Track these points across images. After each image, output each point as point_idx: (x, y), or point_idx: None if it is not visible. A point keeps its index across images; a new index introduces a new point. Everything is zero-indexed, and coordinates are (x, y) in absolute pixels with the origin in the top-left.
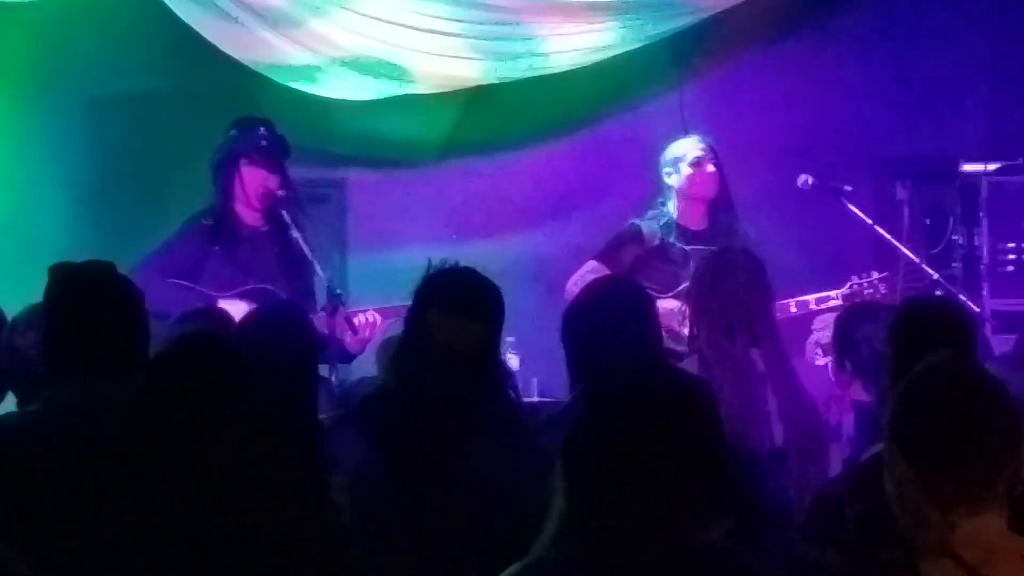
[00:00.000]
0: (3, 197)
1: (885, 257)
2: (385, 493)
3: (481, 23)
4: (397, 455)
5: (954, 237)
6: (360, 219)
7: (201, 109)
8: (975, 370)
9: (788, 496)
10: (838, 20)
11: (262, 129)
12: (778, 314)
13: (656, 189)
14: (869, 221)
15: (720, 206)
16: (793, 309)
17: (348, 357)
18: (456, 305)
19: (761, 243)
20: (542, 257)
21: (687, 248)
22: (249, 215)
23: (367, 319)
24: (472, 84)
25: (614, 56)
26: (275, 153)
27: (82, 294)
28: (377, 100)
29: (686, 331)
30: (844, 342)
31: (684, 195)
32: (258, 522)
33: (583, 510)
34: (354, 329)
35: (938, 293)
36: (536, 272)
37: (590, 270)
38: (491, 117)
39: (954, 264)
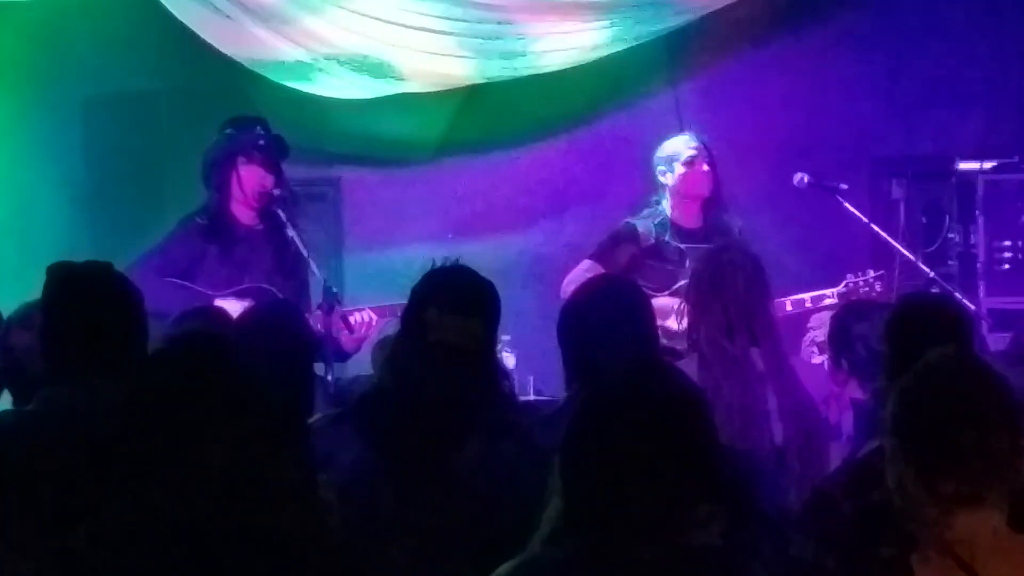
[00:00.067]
0: (0, 197)
1: (881, 255)
2: (381, 491)
3: (473, 21)
4: (393, 453)
5: (950, 235)
6: (356, 218)
7: (197, 108)
8: (978, 365)
9: (788, 495)
10: (834, 19)
11: (259, 128)
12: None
13: (652, 188)
14: (865, 219)
15: (714, 204)
16: (789, 308)
17: (344, 356)
18: (453, 303)
19: (756, 240)
20: (538, 256)
21: (682, 246)
22: (245, 214)
23: (363, 318)
24: (464, 83)
25: (610, 55)
26: (273, 152)
27: (81, 293)
28: (373, 99)
29: (684, 326)
30: (840, 340)
31: (678, 194)
32: (253, 521)
33: (579, 508)
34: (350, 328)
35: (934, 291)
36: (532, 271)
37: (586, 269)
38: (487, 116)
39: (950, 262)
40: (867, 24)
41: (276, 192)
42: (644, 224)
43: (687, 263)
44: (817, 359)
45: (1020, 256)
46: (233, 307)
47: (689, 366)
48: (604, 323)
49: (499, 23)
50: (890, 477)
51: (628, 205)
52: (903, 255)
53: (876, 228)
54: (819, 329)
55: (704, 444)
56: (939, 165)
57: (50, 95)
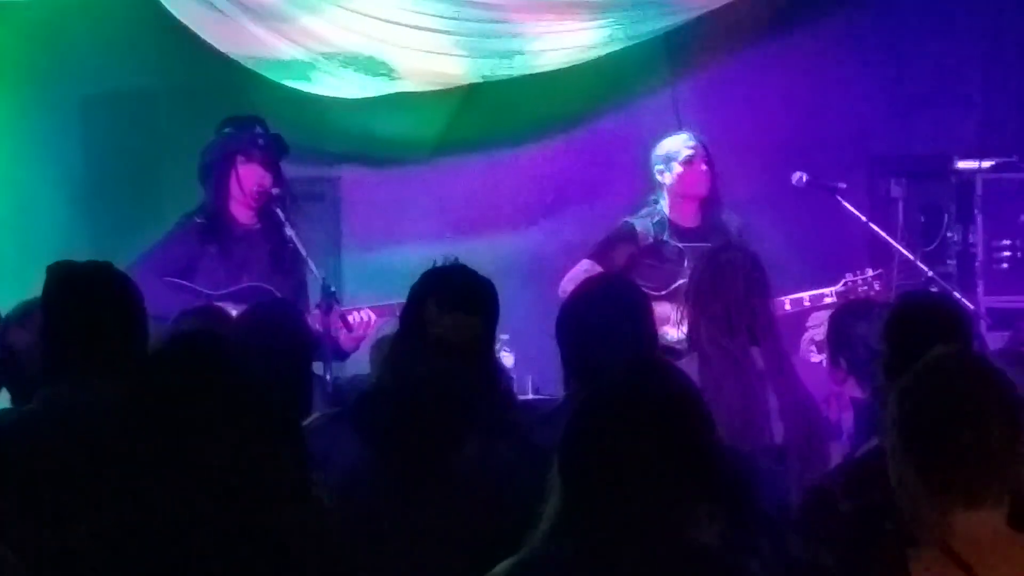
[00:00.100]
0: None
1: (880, 255)
2: (380, 491)
3: (470, 20)
4: (392, 452)
5: (949, 234)
6: (354, 217)
7: (196, 107)
8: (980, 364)
9: (788, 494)
10: (832, 18)
11: (258, 127)
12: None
13: (650, 187)
14: (864, 218)
15: (712, 203)
16: (787, 307)
17: (342, 355)
18: (453, 299)
19: (755, 239)
20: (537, 255)
21: (681, 245)
22: (242, 213)
23: (362, 317)
24: (461, 82)
25: (608, 54)
26: (272, 151)
27: (81, 293)
28: (372, 98)
29: (683, 332)
30: (839, 339)
31: (676, 193)
32: (251, 521)
33: (577, 507)
34: (349, 327)
35: (933, 290)
36: (531, 270)
37: (584, 269)
38: (485, 115)
39: (949, 261)
40: (866, 23)
41: (275, 191)
42: (642, 223)
43: (686, 262)
44: (816, 358)
45: (1019, 255)
46: (232, 308)
47: (690, 365)
48: (603, 322)
49: (496, 22)
50: (892, 475)
51: (627, 204)
52: (902, 254)
53: (875, 227)
54: (817, 328)
55: (702, 443)
56: (938, 164)
57: (49, 94)
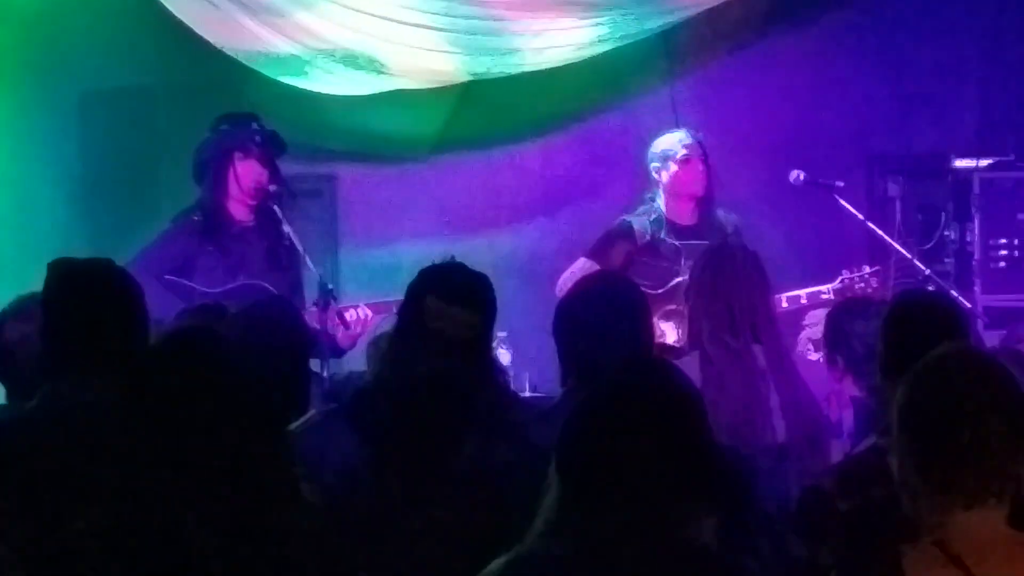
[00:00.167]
0: None
1: (877, 253)
2: (377, 487)
3: (466, 18)
4: (389, 449)
5: (946, 233)
6: (351, 214)
7: (194, 104)
8: (985, 362)
9: (789, 492)
10: (830, 16)
11: (254, 123)
12: None
13: (648, 184)
14: (861, 217)
15: (709, 202)
16: (784, 304)
17: (339, 352)
18: (451, 293)
19: (752, 237)
20: (534, 253)
21: (678, 243)
22: (239, 210)
23: (358, 314)
24: (451, 79)
25: (606, 52)
26: (269, 147)
27: (82, 290)
28: (369, 96)
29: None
30: (836, 337)
31: (672, 192)
32: (249, 520)
33: (574, 505)
34: (346, 324)
35: (930, 289)
36: (528, 267)
37: (581, 267)
38: (482, 113)
39: (946, 260)
40: (864, 22)
41: (272, 188)
42: (639, 221)
43: (683, 260)
44: (813, 356)
45: (1016, 254)
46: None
47: (691, 363)
48: (600, 320)
49: (488, 20)
50: (894, 472)
51: (624, 202)
52: (899, 253)
53: (872, 226)
54: (815, 326)
55: (700, 443)
56: (935, 163)
57: (47, 91)
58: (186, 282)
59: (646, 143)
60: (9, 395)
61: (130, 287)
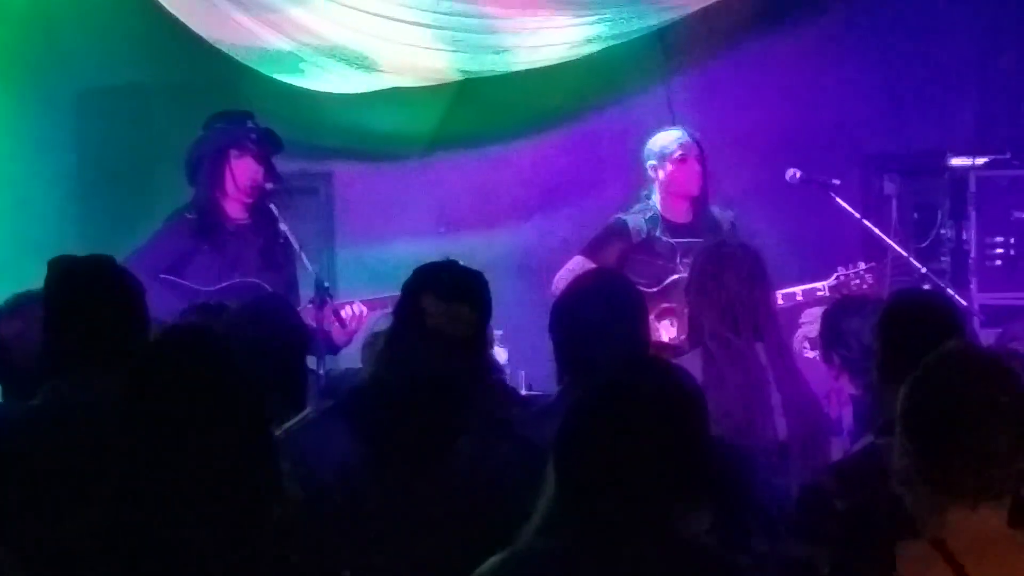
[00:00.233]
0: None
1: (873, 251)
2: (373, 485)
3: (451, 15)
4: (386, 447)
5: (942, 231)
6: (348, 212)
7: (190, 102)
8: (989, 361)
9: (790, 490)
10: (827, 15)
11: (249, 121)
12: None
13: (644, 182)
14: (857, 215)
15: (704, 200)
16: (780, 301)
17: (335, 349)
18: (449, 290)
19: (748, 235)
20: (531, 251)
21: (673, 241)
22: (234, 208)
23: (354, 311)
24: (441, 76)
25: (602, 50)
26: (265, 145)
27: (83, 287)
28: (365, 94)
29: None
30: (832, 336)
31: (668, 190)
32: (247, 519)
33: (570, 502)
34: (342, 322)
35: (926, 287)
36: (524, 265)
37: (576, 265)
38: (479, 111)
39: (942, 258)
40: (860, 20)
41: (268, 186)
42: (635, 220)
43: (678, 258)
44: (809, 354)
45: (1011, 252)
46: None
47: (692, 361)
48: (596, 318)
49: (486, 18)
50: (896, 470)
51: (620, 200)
52: (895, 251)
53: (868, 224)
54: (811, 325)
55: (697, 439)
56: (931, 161)
57: (43, 89)
58: (181, 280)
59: (643, 141)
60: (5, 393)
61: (131, 285)
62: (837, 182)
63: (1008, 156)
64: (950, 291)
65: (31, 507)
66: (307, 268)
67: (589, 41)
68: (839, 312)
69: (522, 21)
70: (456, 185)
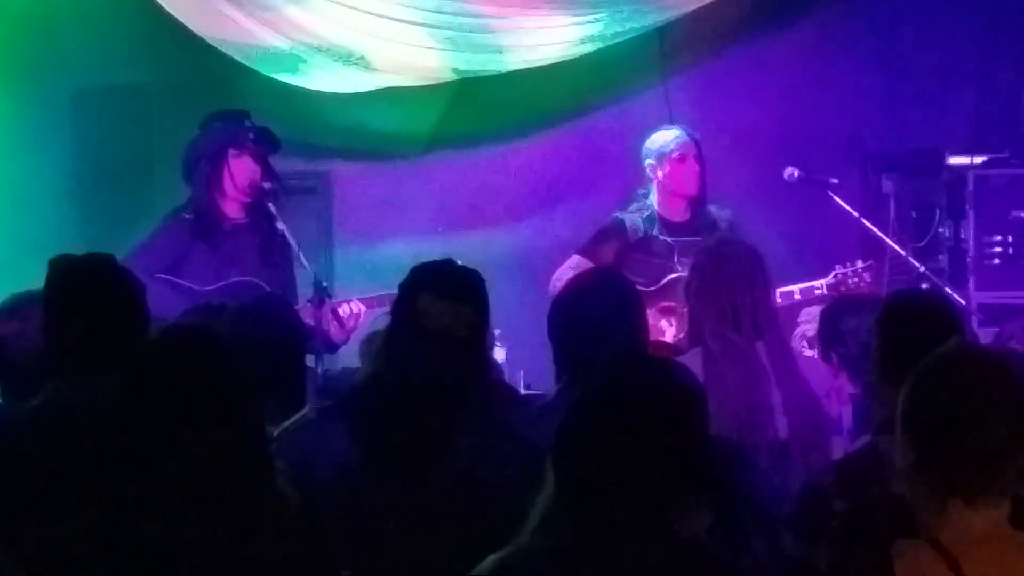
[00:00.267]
0: None
1: (871, 250)
2: (371, 484)
3: (446, 13)
4: (385, 446)
5: (940, 230)
6: (346, 211)
7: (187, 102)
8: (992, 360)
9: (791, 489)
10: (825, 13)
11: (248, 121)
12: None
13: (642, 181)
14: (855, 214)
15: (702, 199)
16: (778, 300)
17: (332, 347)
18: (446, 289)
19: (746, 234)
20: (528, 250)
21: (670, 240)
22: (231, 208)
23: (351, 309)
24: (439, 77)
25: (600, 49)
26: (263, 144)
27: (83, 287)
28: (363, 93)
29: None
30: (830, 335)
31: (666, 190)
32: (245, 518)
33: (569, 501)
34: (340, 321)
35: (924, 286)
36: (522, 265)
37: (574, 265)
38: (477, 111)
39: (940, 257)
40: (858, 19)
41: (267, 185)
42: (631, 219)
43: (676, 257)
44: (807, 353)
45: (1009, 251)
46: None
47: (693, 360)
48: (594, 317)
49: (482, 17)
50: (897, 469)
51: (618, 199)
52: (893, 250)
53: (866, 223)
54: (809, 324)
55: (695, 438)
56: (929, 160)
57: (40, 89)
58: (178, 280)
59: (640, 140)
60: (5, 393)
61: (132, 284)
62: (835, 181)
63: (1006, 155)
64: (948, 290)
65: (31, 507)
66: (305, 267)
67: (587, 40)
68: (837, 311)
69: (519, 20)
70: (454, 184)
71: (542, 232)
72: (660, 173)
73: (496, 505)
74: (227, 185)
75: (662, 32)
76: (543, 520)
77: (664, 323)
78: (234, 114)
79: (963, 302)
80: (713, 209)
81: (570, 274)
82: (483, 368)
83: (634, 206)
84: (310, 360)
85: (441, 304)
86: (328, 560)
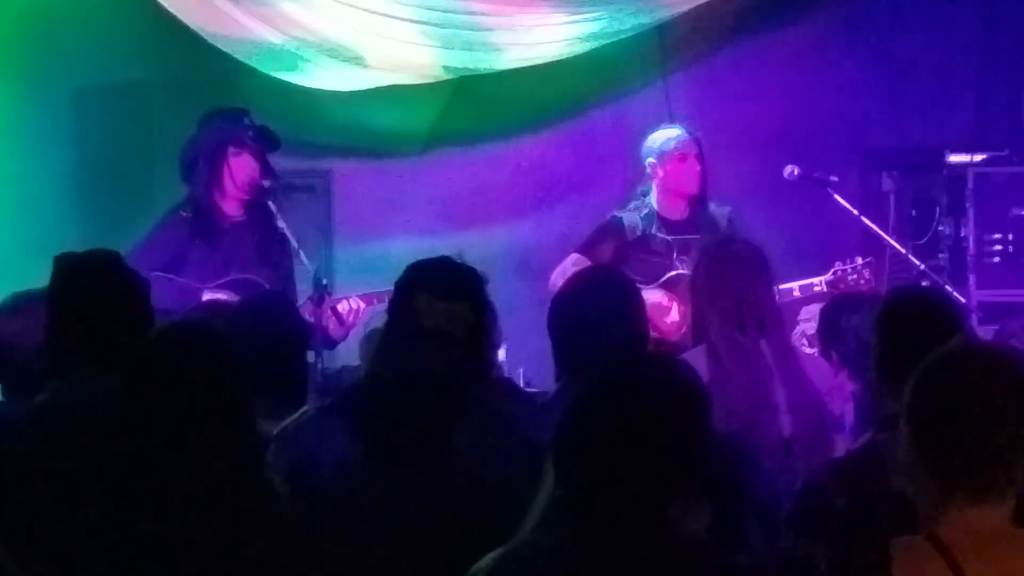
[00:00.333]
0: None
1: (871, 248)
2: (371, 482)
3: (449, 12)
4: (384, 444)
5: (940, 228)
6: (346, 209)
7: (187, 100)
8: (997, 356)
9: (794, 488)
10: (826, 11)
11: (246, 119)
12: None
13: (641, 179)
14: (855, 212)
15: (702, 198)
16: (777, 298)
17: (331, 344)
18: (443, 287)
19: (746, 232)
20: (528, 248)
21: (669, 238)
22: (230, 205)
23: (351, 306)
24: (434, 75)
25: (600, 47)
26: (263, 142)
27: (87, 284)
28: (363, 91)
29: (669, 321)
30: (830, 332)
31: (666, 188)
32: (243, 518)
33: (568, 498)
34: (339, 318)
35: (924, 284)
36: (522, 262)
37: (573, 263)
38: (476, 108)
39: (940, 255)
40: (859, 16)
41: (266, 183)
42: (630, 217)
43: (675, 255)
44: (808, 351)
45: (1010, 249)
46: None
47: (697, 358)
48: (594, 314)
49: (480, 15)
50: (900, 466)
51: (618, 197)
52: (893, 247)
53: (866, 220)
54: (809, 322)
55: (695, 435)
56: (930, 158)
57: (41, 87)
58: (176, 278)
59: (640, 138)
60: (5, 393)
61: (135, 281)
62: (835, 179)
63: (1006, 153)
64: (948, 288)
65: (31, 507)
66: (305, 265)
67: (586, 38)
68: (837, 309)
69: (519, 18)
70: (454, 182)
71: (542, 230)
72: (661, 172)
73: (496, 503)
74: (226, 183)
75: (662, 30)
76: (543, 518)
77: (666, 300)
78: (233, 112)
79: (963, 300)
80: (713, 206)
81: (568, 272)
82: (485, 366)
83: (632, 204)
84: (310, 356)
85: (438, 302)
86: (328, 559)
